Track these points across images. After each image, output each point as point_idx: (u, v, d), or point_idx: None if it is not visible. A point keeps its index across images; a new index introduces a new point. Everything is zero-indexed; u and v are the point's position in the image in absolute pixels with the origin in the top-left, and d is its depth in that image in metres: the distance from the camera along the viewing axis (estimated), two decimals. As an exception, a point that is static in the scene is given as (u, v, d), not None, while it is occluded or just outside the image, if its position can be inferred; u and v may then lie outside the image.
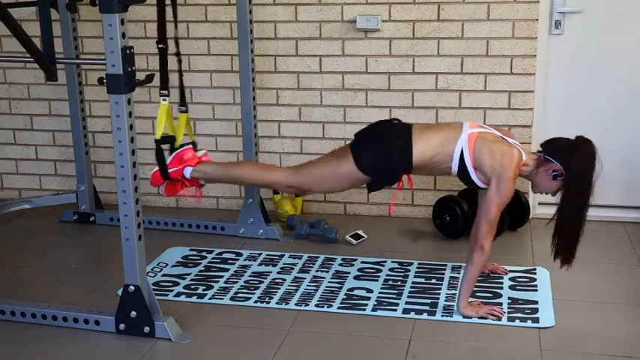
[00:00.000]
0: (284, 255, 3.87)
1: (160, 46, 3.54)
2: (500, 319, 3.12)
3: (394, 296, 3.38)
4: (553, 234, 3.19)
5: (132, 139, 2.89)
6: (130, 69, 2.82)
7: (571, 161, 3.10)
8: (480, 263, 3.13)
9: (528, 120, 4.20)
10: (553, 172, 3.15)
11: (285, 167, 3.50)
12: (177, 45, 3.58)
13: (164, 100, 3.49)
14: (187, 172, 3.48)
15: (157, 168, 3.48)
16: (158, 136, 3.46)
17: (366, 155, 3.24)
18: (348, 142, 4.38)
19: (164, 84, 3.51)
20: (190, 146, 3.55)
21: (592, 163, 3.08)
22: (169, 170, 3.47)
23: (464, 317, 3.15)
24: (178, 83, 3.65)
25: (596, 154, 3.10)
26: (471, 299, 3.32)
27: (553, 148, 3.19)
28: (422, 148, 3.20)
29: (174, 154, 3.51)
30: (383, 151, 3.23)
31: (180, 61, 3.59)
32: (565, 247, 3.16)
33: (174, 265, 3.78)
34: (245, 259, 3.84)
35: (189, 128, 3.67)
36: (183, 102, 3.65)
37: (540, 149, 3.24)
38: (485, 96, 4.21)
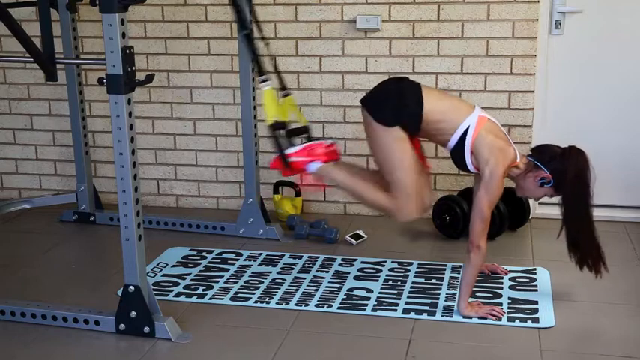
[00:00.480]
0: (284, 255, 3.87)
1: (246, 32, 3.50)
2: (500, 319, 3.12)
3: (394, 296, 3.38)
4: (568, 250, 3.22)
5: (132, 139, 2.89)
6: (130, 69, 2.82)
7: (565, 175, 3.10)
8: (477, 263, 3.14)
9: (528, 120, 4.20)
10: (541, 180, 3.16)
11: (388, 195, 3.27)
12: (260, 29, 3.56)
13: (266, 85, 3.42)
14: (313, 167, 3.31)
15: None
16: (269, 122, 3.34)
17: (386, 112, 3.18)
18: (348, 141, 4.40)
19: (261, 69, 3.46)
20: (324, 142, 3.39)
21: (586, 175, 3.09)
22: (291, 159, 3.30)
23: (464, 317, 3.15)
24: (274, 68, 3.60)
25: (589, 165, 3.11)
26: (471, 299, 3.32)
27: (544, 156, 3.19)
28: (431, 106, 3.17)
29: (305, 144, 3.35)
30: (397, 102, 3.19)
31: (267, 44, 3.60)
32: (590, 257, 3.19)
33: (174, 265, 3.78)
34: (245, 259, 3.84)
35: (297, 111, 3.56)
36: (283, 85, 3.54)
37: (530, 154, 3.23)
38: (485, 96, 4.21)
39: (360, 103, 3.30)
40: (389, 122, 3.16)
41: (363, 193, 3.32)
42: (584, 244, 3.18)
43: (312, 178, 3.36)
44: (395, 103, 3.20)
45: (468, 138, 3.15)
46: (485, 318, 3.13)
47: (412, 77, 4.19)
